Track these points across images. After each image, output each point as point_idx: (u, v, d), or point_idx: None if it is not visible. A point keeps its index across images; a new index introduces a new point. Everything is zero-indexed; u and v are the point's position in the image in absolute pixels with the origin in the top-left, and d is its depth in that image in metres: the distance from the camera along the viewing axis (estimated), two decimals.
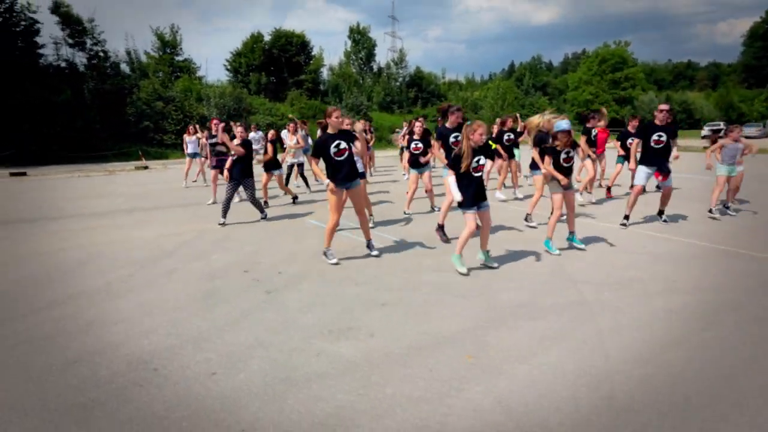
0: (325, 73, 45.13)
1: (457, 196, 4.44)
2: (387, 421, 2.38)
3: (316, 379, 2.77)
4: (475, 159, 4.44)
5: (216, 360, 3.01)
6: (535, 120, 5.90)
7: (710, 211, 7.16)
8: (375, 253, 5.38)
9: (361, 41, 46.80)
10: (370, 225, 6.62)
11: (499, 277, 4.58)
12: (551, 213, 5.38)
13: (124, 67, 29.67)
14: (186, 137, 12.16)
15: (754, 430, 2.29)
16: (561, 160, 5.16)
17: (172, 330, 3.46)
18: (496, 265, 4.83)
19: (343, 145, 5.04)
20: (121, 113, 24.66)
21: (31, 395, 2.63)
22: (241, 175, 7.15)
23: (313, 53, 43.28)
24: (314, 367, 2.92)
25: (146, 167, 18.34)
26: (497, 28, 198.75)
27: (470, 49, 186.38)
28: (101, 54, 26.77)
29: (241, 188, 8.02)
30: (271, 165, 8.79)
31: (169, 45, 34.63)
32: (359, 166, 6.00)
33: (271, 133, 9.94)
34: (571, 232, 5.51)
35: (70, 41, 26.01)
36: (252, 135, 12.64)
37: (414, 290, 4.24)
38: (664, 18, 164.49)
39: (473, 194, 4.52)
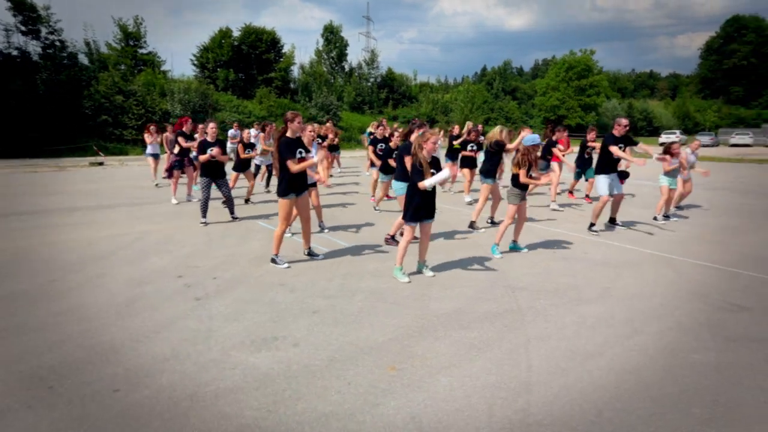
0: (295, 71, 44.61)
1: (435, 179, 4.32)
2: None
3: (226, 395, 2.63)
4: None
5: (122, 375, 2.82)
6: (495, 132, 6.23)
7: (655, 218, 7.43)
8: (320, 256, 5.27)
9: (333, 40, 46.42)
10: (324, 232, 6.52)
11: (438, 283, 4.53)
12: (504, 220, 5.44)
13: (83, 59, 28.46)
14: (146, 137, 11.29)
15: None
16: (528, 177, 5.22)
17: (83, 341, 3.24)
18: (432, 274, 4.77)
19: (304, 153, 5.02)
20: (77, 106, 23.60)
21: None
22: (214, 174, 6.99)
23: (283, 51, 42.71)
24: (227, 381, 2.77)
25: (101, 164, 17.59)
26: (471, 33, 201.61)
27: (445, 52, 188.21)
28: (57, 43, 25.59)
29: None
30: (245, 165, 8.94)
31: (132, 37, 33.39)
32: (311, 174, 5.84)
33: (246, 133, 9.72)
34: (514, 241, 5.64)
35: (23, 29, 24.72)
36: (232, 132, 12.32)
37: (349, 297, 4.14)
38: (629, 29, 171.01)
39: (417, 207, 4.44)
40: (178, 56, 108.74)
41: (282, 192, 4.89)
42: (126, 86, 26.14)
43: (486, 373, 2.89)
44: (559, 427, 2.39)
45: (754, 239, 6.45)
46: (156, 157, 11.47)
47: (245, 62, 40.10)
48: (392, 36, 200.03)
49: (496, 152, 6.49)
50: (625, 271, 5.01)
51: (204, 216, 7.05)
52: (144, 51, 34.28)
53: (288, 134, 4.97)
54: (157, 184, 11.34)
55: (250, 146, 8.90)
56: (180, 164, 9.06)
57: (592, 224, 6.74)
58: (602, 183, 6.60)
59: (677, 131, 37.94)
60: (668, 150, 7.28)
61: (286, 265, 4.98)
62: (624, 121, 6.66)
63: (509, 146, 6.24)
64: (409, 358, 3.08)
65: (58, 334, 3.34)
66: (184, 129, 9.14)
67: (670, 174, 7.39)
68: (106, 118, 24.40)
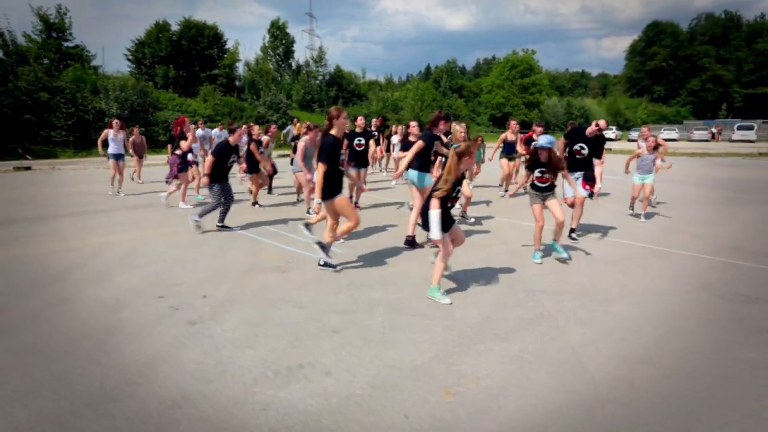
0: (240, 68, 42.79)
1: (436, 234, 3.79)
2: None
3: None
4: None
5: (133, 424, 2.28)
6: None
7: (633, 210, 7.63)
8: (337, 267, 4.81)
9: (279, 37, 45.00)
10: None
11: (453, 289, 4.24)
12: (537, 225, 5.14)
13: None
14: (109, 132, 9.65)
15: None
16: (535, 179, 4.97)
17: (61, 389, 2.62)
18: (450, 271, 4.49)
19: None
20: None
21: None
22: (223, 178, 6.51)
23: (227, 47, 40.79)
24: (262, 427, 2.31)
25: (28, 168, 15.75)
26: (413, 32, 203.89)
27: (388, 50, 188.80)
28: None
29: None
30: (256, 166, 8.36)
31: (55, 28, 30.40)
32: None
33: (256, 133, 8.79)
34: (554, 240, 5.18)
35: None
36: (200, 132, 11.24)
37: (366, 312, 3.75)
38: (559, 31, 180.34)
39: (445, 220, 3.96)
40: (109, 51, 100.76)
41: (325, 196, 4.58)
42: (51, 82, 23.77)
43: (551, 391, 2.63)
44: None
45: (726, 229, 6.73)
46: (119, 158, 9.67)
47: (186, 58, 37.89)
48: (335, 34, 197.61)
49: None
50: (629, 266, 4.98)
51: (222, 221, 6.62)
52: (70, 44, 31.41)
53: (334, 131, 4.58)
54: (118, 192, 9.72)
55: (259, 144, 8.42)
56: (185, 167, 8.34)
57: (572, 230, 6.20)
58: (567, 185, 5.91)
59: (613, 128, 40.26)
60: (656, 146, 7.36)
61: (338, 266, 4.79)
62: (602, 123, 6.13)
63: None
64: (460, 379, 2.75)
65: (25, 384, 2.69)
66: (183, 130, 8.38)
67: (642, 170, 7.39)
68: (30, 117, 21.99)
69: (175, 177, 8.40)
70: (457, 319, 3.59)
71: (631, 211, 7.74)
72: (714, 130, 40.74)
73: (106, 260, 5.14)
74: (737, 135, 35.66)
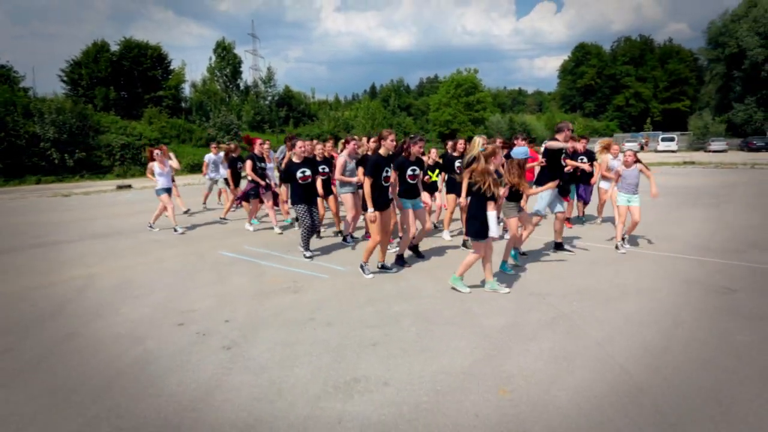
0: (187, 89, 41.59)
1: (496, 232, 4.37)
2: None
3: None
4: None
5: None
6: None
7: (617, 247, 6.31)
8: (393, 270, 5.44)
9: (226, 57, 44.30)
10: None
11: (470, 299, 4.45)
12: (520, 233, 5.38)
13: None
14: (154, 166, 7.92)
15: None
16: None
17: (117, 423, 2.52)
18: (468, 290, 4.69)
19: (390, 171, 5.21)
20: None
21: None
22: (309, 199, 6.23)
23: (171, 68, 39.52)
24: None
25: None
26: (356, 52, 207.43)
27: (332, 70, 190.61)
28: None
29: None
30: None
31: None
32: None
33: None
34: (515, 249, 5.55)
35: None
36: (210, 157, 10.58)
37: (394, 324, 3.85)
38: (495, 52, 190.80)
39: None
40: (40, 72, 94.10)
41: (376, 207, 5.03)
42: None
43: (593, 382, 2.87)
44: (704, 424, 2.44)
45: (688, 231, 7.43)
46: (170, 192, 8.11)
47: (128, 79, 36.34)
48: (278, 54, 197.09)
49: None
50: (620, 267, 5.42)
51: (307, 247, 6.17)
52: None
53: (381, 151, 5.11)
54: (175, 229, 8.04)
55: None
56: (256, 192, 7.88)
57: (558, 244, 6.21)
58: (544, 200, 5.82)
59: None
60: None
61: (370, 275, 5.18)
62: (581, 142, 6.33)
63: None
64: (509, 378, 2.93)
65: (79, 424, 2.56)
66: (255, 151, 7.95)
67: (625, 189, 6.26)
68: None
69: (246, 201, 8.07)
70: (485, 326, 3.78)
71: (623, 248, 6.18)
72: (642, 141, 44.56)
73: (99, 292, 4.89)
74: (662, 146, 39.21)
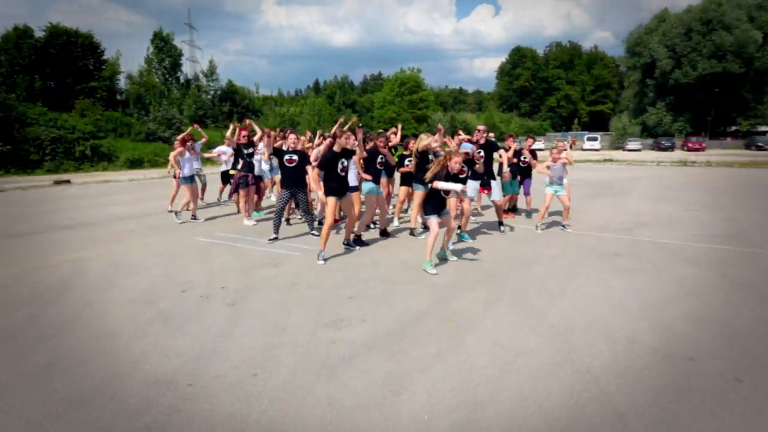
0: (123, 81, 39.77)
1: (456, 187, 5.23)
2: (434, 370, 3.02)
3: (352, 360, 3.20)
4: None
5: (247, 361, 3.12)
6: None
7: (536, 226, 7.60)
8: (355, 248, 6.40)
9: (165, 49, 42.75)
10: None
11: (420, 267, 5.52)
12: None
13: None
14: (178, 154, 8.27)
15: None
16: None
17: (167, 352, 3.32)
18: (455, 258, 5.76)
19: (346, 163, 6.00)
20: None
21: None
22: (296, 185, 6.88)
23: (105, 58, 37.61)
24: (339, 352, 3.32)
25: None
26: (298, 46, 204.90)
27: (273, 64, 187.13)
28: None
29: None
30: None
31: None
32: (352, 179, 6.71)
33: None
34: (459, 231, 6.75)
35: None
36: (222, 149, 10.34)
37: (364, 284, 4.84)
38: (436, 51, 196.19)
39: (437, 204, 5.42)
40: None
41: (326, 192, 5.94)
42: None
43: (513, 315, 4.02)
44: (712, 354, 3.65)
45: (594, 214, 9.01)
46: (192, 180, 8.47)
47: (56, 68, 34.22)
48: (216, 46, 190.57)
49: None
50: (537, 242, 6.73)
51: (275, 230, 6.97)
52: None
53: (335, 148, 5.96)
54: (176, 213, 8.61)
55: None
56: (246, 181, 8.15)
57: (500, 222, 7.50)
58: (471, 188, 6.54)
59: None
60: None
61: (322, 261, 5.76)
62: (480, 128, 7.32)
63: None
64: (454, 313, 4.02)
65: (137, 352, 3.32)
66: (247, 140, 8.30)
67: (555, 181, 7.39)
68: None
69: (236, 193, 8.39)
70: (435, 283, 4.87)
71: (540, 228, 7.47)
72: (570, 141, 48.50)
73: (97, 272, 5.45)
74: (587, 145, 43.07)
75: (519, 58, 76.15)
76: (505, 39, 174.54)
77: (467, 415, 2.56)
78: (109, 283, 5.00)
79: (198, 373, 3.01)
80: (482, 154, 7.05)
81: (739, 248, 6.15)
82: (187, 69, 52.39)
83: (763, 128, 46.68)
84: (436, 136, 6.65)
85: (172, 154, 8.43)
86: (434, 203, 5.40)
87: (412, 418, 2.53)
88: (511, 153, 8.29)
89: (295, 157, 6.74)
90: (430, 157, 6.57)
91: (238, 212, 9.18)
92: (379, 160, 6.90)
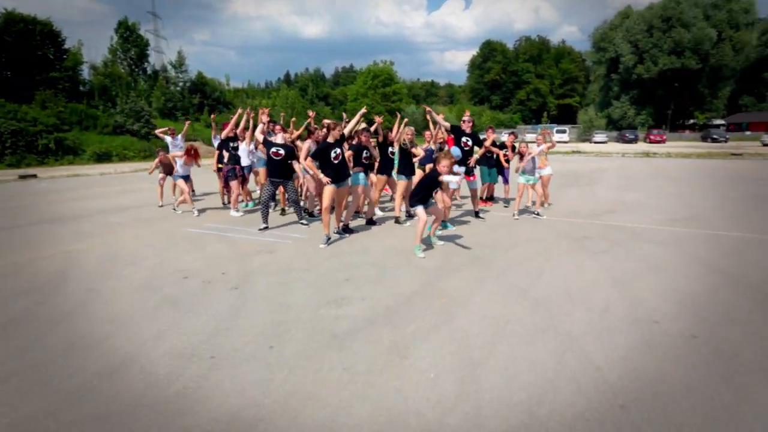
0: (86, 71, 38.30)
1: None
2: (434, 339, 3.36)
3: (357, 332, 3.50)
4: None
5: (261, 336, 3.37)
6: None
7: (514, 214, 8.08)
8: (346, 236, 6.68)
9: (131, 39, 41.38)
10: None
11: (410, 251, 5.85)
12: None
13: None
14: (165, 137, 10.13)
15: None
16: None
17: (183, 331, 3.53)
18: (441, 243, 6.08)
19: (339, 151, 6.31)
20: None
21: None
22: (283, 175, 7.10)
23: (66, 47, 36.07)
24: (344, 326, 3.61)
25: None
26: (268, 38, 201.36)
27: (242, 55, 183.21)
28: None
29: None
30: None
31: None
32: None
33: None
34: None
35: None
36: (170, 140, 10.11)
37: (357, 269, 5.13)
38: (408, 44, 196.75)
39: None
40: None
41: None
42: None
43: (500, 294, 4.41)
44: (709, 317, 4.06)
45: (566, 202, 9.58)
46: (188, 179, 8.91)
47: (13, 58, 32.64)
48: (182, 36, 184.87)
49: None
50: (515, 228, 7.18)
51: (263, 221, 7.18)
52: None
53: (329, 139, 6.38)
54: (193, 210, 8.62)
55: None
56: (234, 174, 8.33)
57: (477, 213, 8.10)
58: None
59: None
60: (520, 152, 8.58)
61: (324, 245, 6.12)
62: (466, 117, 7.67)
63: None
64: (444, 291, 4.37)
65: (152, 332, 3.51)
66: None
67: (528, 171, 7.82)
68: None
69: (227, 186, 8.57)
70: (424, 266, 5.21)
71: (517, 216, 7.97)
72: (539, 134, 49.95)
73: (95, 262, 5.53)
74: (556, 137, 44.32)
75: (489, 51, 77.37)
76: (475, 32, 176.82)
77: (468, 372, 2.90)
78: (108, 272, 5.11)
79: (217, 348, 3.25)
80: (470, 142, 7.40)
81: (696, 230, 6.77)
82: (153, 60, 50.84)
83: (718, 121, 49.30)
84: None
85: (183, 161, 8.50)
86: (421, 196, 5.71)
87: (420, 376, 2.86)
88: (488, 142, 8.67)
89: (282, 151, 6.94)
90: (412, 150, 7.01)
91: (224, 205, 9.29)
92: (364, 155, 7.11)
